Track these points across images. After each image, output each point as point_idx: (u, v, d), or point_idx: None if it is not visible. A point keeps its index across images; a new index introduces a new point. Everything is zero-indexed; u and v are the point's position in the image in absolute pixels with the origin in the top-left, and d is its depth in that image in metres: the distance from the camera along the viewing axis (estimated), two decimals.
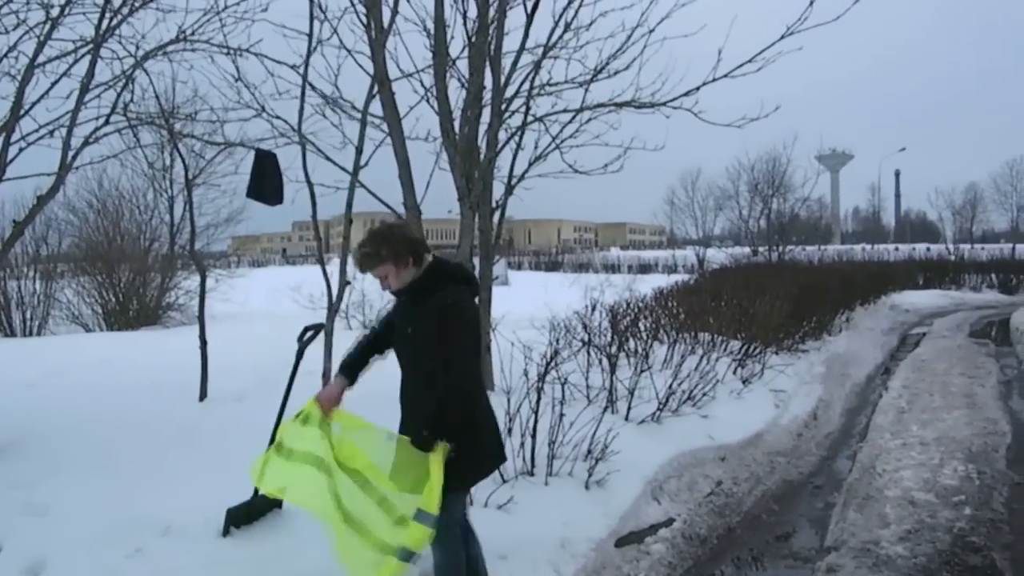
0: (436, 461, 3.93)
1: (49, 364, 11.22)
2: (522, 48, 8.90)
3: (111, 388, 9.25)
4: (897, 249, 52.62)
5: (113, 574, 4.61)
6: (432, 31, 8.70)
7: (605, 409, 8.25)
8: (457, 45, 8.91)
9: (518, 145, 9.13)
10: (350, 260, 6.68)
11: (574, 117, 8.95)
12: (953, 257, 40.09)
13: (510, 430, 6.85)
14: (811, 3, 8.00)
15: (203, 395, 8.81)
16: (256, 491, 5.36)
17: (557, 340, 8.67)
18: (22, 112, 6.88)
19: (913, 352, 17.04)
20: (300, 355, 5.60)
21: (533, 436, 6.88)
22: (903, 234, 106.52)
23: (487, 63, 8.76)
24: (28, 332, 19.59)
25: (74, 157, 7.26)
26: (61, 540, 4.96)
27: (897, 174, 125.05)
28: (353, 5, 8.37)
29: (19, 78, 6.86)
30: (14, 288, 19.45)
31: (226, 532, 5.14)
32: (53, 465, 6.24)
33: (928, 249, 46.43)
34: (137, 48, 7.61)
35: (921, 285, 32.21)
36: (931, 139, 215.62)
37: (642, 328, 11.66)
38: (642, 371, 8.98)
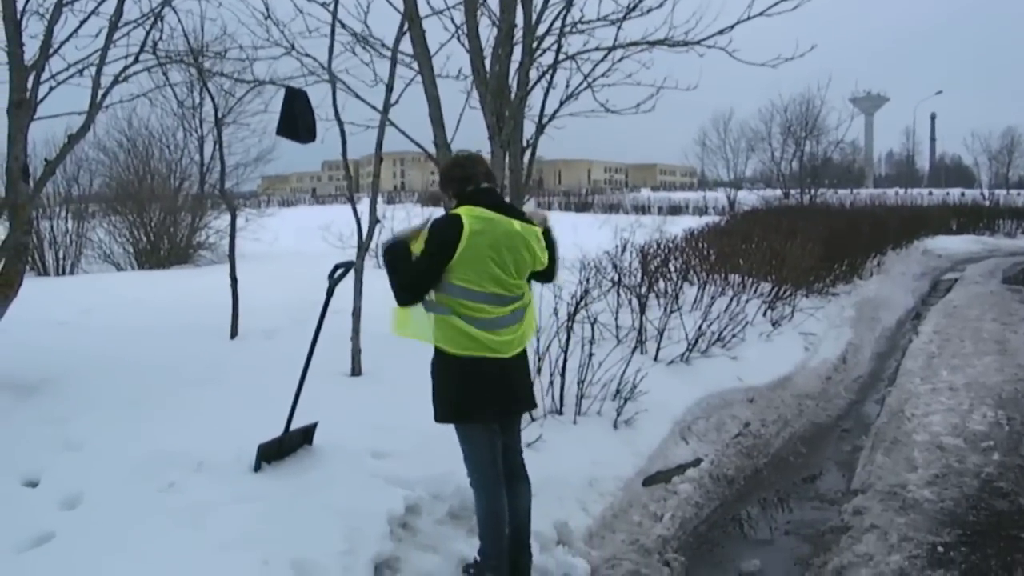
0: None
1: (82, 302, 11.30)
2: None
3: (143, 326, 9.32)
4: (931, 194, 51.84)
5: (147, 507, 4.67)
6: None
7: (634, 349, 8.27)
8: None
9: (549, 84, 9.02)
10: (380, 199, 6.68)
11: (606, 55, 8.82)
12: (988, 202, 39.58)
13: (539, 369, 6.88)
14: None
15: (234, 333, 8.87)
16: (287, 427, 5.42)
17: (587, 280, 8.65)
18: (51, 51, 6.87)
19: (945, 298, 16.92)
20: (331, 293, 5.61)
21: (562, 375, 6.90)
22: (937, 178, 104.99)
23: (518, 0, 8.65)
24: (61, 271, 19.76)
25: (104, 96, 7.25)
26: (96, 474, 5.03)
27: (933, 117, 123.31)
28: None
29: (48, 17, 6.84)
30: (46, 228, 19.55)
31: (257, 467, 5.19)
32: (87, 402, 6.30)
33: (962, 194, 45.74)
34: None
35: (954, 230, 31.79)
36: (969, 82, 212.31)
37: (672, 269, 11.62)
38: (672, 312, 8.97)
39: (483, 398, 4.37)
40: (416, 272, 4.29)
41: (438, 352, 4.39)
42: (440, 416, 4.46)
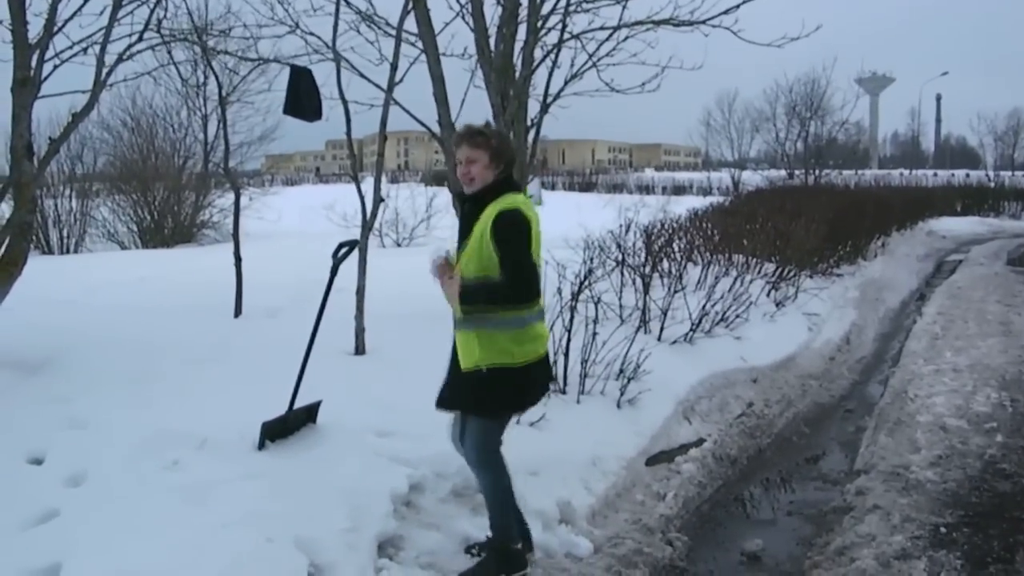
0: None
1: (86, 281, 11.31)
2: None
3: (147, 305, 9.33)
4: (936, 175, 51.73)
5: (151, 485, 4.68)
6: None
7: (638, 329, 8.25)
8: None
9: (554, 63, 8.99)
10: (384, 178, 6.66)
11: (611, 35, 8.79)
12: (993, 184, 39.51)
13: None
14: None
15: (238, 312, 8.88)
16: (291, 406, 5.43)
17: (591, 259, 8.63)
18: (55, 29, 6.84)
19: (949, 279, 16.89)
20: (334, 272, 5.60)
21: (566, 355, 6.91)
22: (942, 160, 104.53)
23: None
24: (65, 250, 19.82)
25: (108, 74, 7.24)
26: (100, 452, 5.04)
27: (938, 98, 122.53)
28: None
29: None
30: (51, 206, 19.61)
31: (261, 445, 5.20)
32: (91, 380, 6.31)
33: (967, 175, 45.74)
34: None
35: (959, 212, 31.70)
36: (975, 63, 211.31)
37: (676, 249, 11.62)
38: (675, 292, 8.96)
39: (531, 393, 4.51)
40: (528, 266, 4.20)
41: (493, 369, 4.23)
42: (482, 411, 4.40)
